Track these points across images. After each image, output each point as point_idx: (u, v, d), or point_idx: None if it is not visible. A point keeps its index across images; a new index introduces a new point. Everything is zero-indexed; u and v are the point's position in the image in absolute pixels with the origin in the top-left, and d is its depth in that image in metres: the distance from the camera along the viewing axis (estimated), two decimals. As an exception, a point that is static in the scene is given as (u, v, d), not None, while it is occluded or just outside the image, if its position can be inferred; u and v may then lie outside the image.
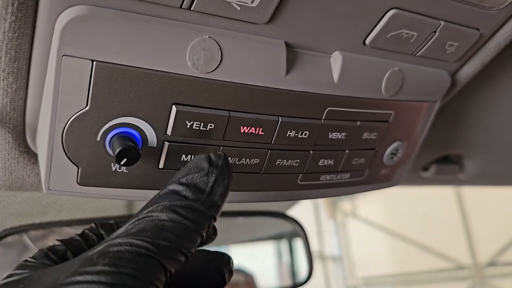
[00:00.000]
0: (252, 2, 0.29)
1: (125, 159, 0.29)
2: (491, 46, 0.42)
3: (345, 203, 4.91)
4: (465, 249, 4.14)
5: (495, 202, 3.51)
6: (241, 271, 1.26)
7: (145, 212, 0.27)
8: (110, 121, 0.30)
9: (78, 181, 0.32)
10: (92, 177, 0.32)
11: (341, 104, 0.37)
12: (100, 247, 0.26)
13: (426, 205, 4.06)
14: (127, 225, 0.27)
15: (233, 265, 0.35)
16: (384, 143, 0.43)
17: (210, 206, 0.28)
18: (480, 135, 0.62)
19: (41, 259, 0.29)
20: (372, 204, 4.64)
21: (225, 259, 0.34)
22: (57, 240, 0.31)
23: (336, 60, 0.36)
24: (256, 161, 0.36)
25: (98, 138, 0.31)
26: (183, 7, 0.28)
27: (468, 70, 0.44)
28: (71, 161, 0.31)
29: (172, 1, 0.28)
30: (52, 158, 0.31)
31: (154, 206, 0.27)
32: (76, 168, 0.31)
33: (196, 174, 0.29)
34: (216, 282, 0.33)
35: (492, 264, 3.99)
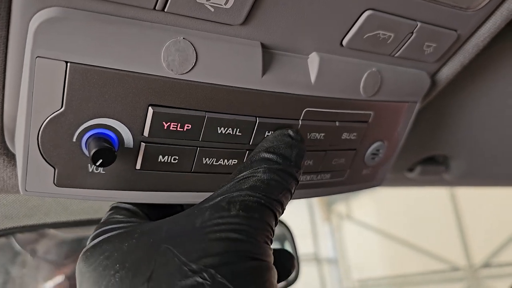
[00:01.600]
0: (225, 4, 0.29)
1: (100, 160, 0.30)
2: (469, 47, 0.42)
3: (340, 205, 4.92)
4: (459, 250, 4.15)
5: (489, 203, 3.52)
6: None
7: (247, 172, 0.33)
8: (85, 122, 0.30)
9: (55, 182, 0.32)
10: (69, 178, 0.32)
11: (319, 104, 0.37)
12: (218, 198, 0.31)
13: (420, 207, 4.07)
14: (233, 182, 0.33)
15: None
16: (365, 143, 0.43)
17: (296, 170, 0.35)
18: (464, 136, 0.63)
19: (127, 216, 0.34)
20: (367, 206, 4.64)
21: (290, 256, 0.41)
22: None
23: (313, 61, 0.36)
24: (235, 161, 0.36)
25: (74, 139, 0.31)
26: (156, 8, 0.28)
27: (447, 71, 0.44)
28: (47, 162, 0.31)
29: (146, 2, 0.28)
30: (28, 159, 0.31)
31: (254, 168, 0.33)
32: (52, 169, 0.31)
33: (282, 145, 0.35)
34: (282, 276, 0.39)
35: (486, 265, 4.00)
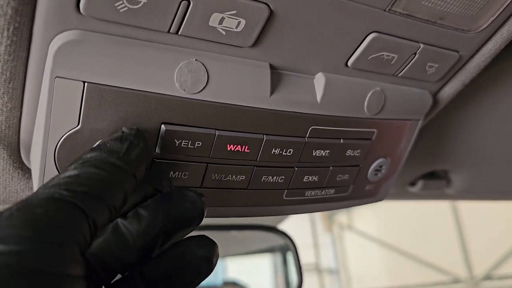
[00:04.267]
0: (236, 27, 0.30)
1: None
2: (470, 67, 0.43)
3: (342, 216, 4.91)
4: (461, 262, 4.14)
5: (491, 215, 3.52)
6: (237, 284, 1.26)
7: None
8: (100, 139, 0.31)
9: None
10: None
11: (325, 123, 0.38)
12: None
13: (421, 218, 4.07)
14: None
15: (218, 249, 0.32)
16: (368, 160, 0.44)
17: (126, 162, 0.27)
18: (465, 151, 0.64)
19: None
20: (368, 217, 4.64)
21: (211, 244, 0.31)
22: None
23: (319, 81, 0.37)
24: (242, 177, 0.38)
25: None
26: (170, 31, 0.30)
27: (449, 90, 0.46)
28: None
29: (160, 26, 0.29)
30: (44, 175, 0.32)
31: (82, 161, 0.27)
32: None
33: (110, 141, 0.28)
34: (203, 270, 0.31)
35: (488, 277, 3.99)
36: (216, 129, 0.34)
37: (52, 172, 0.32)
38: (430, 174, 0.66)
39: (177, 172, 0.35)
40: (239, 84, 0.34)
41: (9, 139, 0.36)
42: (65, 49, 0.28)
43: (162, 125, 0.32)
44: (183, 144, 0.34)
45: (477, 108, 0.60)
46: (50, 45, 0.28)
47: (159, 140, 0.33)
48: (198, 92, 0.32)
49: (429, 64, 0.40)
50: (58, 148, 0.31)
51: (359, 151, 0.42)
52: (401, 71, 0.39)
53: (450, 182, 0.67)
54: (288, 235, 0.72)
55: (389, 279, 4.50)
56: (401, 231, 4.32)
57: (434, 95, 0.46)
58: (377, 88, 0.40)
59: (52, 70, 0.28)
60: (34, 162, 0.34)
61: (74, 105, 0.30)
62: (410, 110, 0.44)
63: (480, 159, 0.64)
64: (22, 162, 0.38)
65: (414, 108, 0.44)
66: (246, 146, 0.36)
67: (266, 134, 0.36)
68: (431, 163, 0.65)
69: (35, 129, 0.34)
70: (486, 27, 0.38)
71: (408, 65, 0.39)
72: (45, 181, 0.32)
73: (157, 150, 0.33)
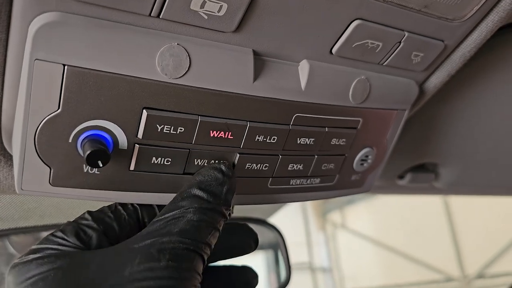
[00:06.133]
0: (218, 12, 0.30)
1: (95, 161, 0.31)
2: (456, 57, 0.43)
3: (335, 214, 4.92)
4: (453, 260, 4.16)
5: (483, 214, 3.54)
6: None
7: (178, 211, 0.33)
8: (81, 123, 0.31)
9: (50, 181, 0.33)
10: (64, 178, 0.33)
11: (309, 110, 0.38)
12: (148, 241, 0.31)
13: (414, 217, 4.09)
14: (163, 221, 0.32)
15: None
16: (354, 149, 0.44)
17: (225, 208, 0.35)
18: (454, 144, 0.64)
19: (72, 239, 0.32)
20: (362, 215, 4.65)
21: (252, 272, 0.43)
22: (88, 213, 0.35)
23: (303, 68, 0.37)
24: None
25: (70, 140, 0.32)
26: (152, 15, 0.29)
27: (435, 80, 0.46)
28: (43, 162, 0.32)
29: (141, 9, 0.29)
30: (25, 159, 0.32)
31: (184, 208, 0.33)
32: (48, 169, 0.32)
33: (213, 183, 0.35)
34: None
35: (480, 276, 4.01)
36: (199, 115, 0.34)
37: (32, 157, 0.32)
38: (418, 167, 0.67)
39: (159, 158, 0.35)
40: (222, 70, 0.33)
41: None
42: (45, 31, 0.27)
43: (144, 110, 0.32)
44: (165, 130, 0.33)
45: (466, 101, 0.60)
46: (29, 27, 0.28)
47: (140, 125, 0.33)
48: (180, 76, 0.32)
49: (414, 53, 0.40)
50: (38, 132, 0.31)
51: (344, 140, 0.42)
52: (386, 60, 0.39)
53: (439, 175, 0.67)
54: (276, 227, 0.72)
55: (382, 278, 4.52)
56: (394, 230, 4.34)
57: (420, 85, 0.46)
58: (362, 77, 0.40)
59: (32, 53, 0.28)
60: (15, 147, 0.34)
61: (54, 89, 0.30)
62: (396, 100, 0.44)
63: (469, 153, 0.64)
64: (4, 149, 0.38)
65: (400, 97, 0.44)
66: (230, 133, 0.36)
67: (249, 121, 0.36)
68: (419, 156, 0.65)
69: (16, 113, 0.34)
70: (471, 16, 0.38)
71: (393, 54, 0.39)
72: (25, 167, 0.32)
73: (139, 135, 0.33)
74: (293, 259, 0.81)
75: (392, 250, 4.40)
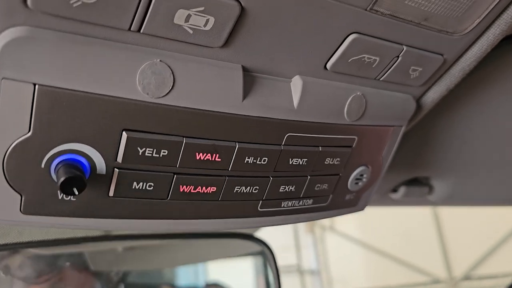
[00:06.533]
0: (205, 26, 0.28)
1: (70, 188, 0.28)
2: (455, 71, 0.42)
3: (323, 217, 4.91)
4: (440, 263, 4.17)
5: (470, 216, 3.55)
6: (219, 285, 1.24)
7: None
8: (54, 147, 0.29)
9: (21, 209, 0.30)
10: (37, 205, 0.30)
11: (302, 129, 0.36)
12: None
13: (403, 220, 4.09)
14: None
15: None
16: (348, 168, 0.42)
17: None
18: (447, 158, 0.62)
19: None
20: (350, 218, 4.65)
21: None
22: None
23: (296, 85, 0.35)
24: (213, 188, 0.35)
25: (43, 166, 0.29)
26: (132, 29, 0.27)
27: (433, 95, 0.44)
28: (13, 188, 0.29)
29: (120, 23, 0.26)
30: None
31: None
32: (19, 196, 0.29)
33: None
34: None
35: (467, 278, 4.03)
36: (183, 136, 0.32)
37: (1, 183, 0.29)
38: (412, 180, 0.65)
39: (141, 183, 0.32)
40: (209, 88, 0.31)
41: None
42: (12, 47, 0.25)
43: (124, 132, 0.30)
44: (147, 153, 0.31)
45: (459, 113, 0.58)
46: None
47: (120, 148, 0.30)
48: (163, 96, 0.29)
49: (412, 67, 0.38)
50: (7, 157, 0.28)
51: (338, 159, 0.40)
52: (383, 75, 0.37)
53: (432, 189, 0.65)
54: (265, 242, 0.70)
55: (370, 280, 4.52)
56: (382, 232, 4.34)
57: (418, 100, 0.44)
58: (358, 93, 0.38)
59: None
60: None
61: (24, 110, 0.27)
62: (392, 116, 0.42)
63: (463, 166, 0.63)
64: None
65: (396, 113, 0.42)
66: (217, 155, 0.33)
67: (238, 142, 0.34)
68: (412, 169, 0.63)
69: None
70: (472, 29, 0.36)
71: (391, 69, 0.37)
72: None
73: (118, 159, 0.30)
74: (281, 262, 0.79)
75: (380, 253, 4.41)
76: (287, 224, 0.42)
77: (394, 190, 0.65)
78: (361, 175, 0.44)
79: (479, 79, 0.53)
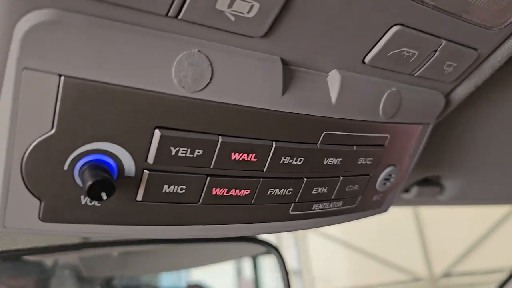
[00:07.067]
0: (248, 12, 0.25)
1: (98, 193, 0.25)
2: (486, 67, 0.40)
3: (305, 216, 4.92)
4: (421, 261, 4.22)
5: (451, 214, 3.60)
6: (200, 286, 1.22)
7: None
8: (80, 147, 0.25)
9: (40, 216, 0.27)
10: (57, 212, 0.27)
11: (338, 127, 0.34)
12: None
13: (383, 218, 4.12)
14: None
15: None
16: (378, 168, 0.40)
17: None
18: (459, 156, 0.61)
19: None
20: (332, 217, 4.66)
21: None
22: None
23: (333, 79, 0.32)
24: (247, 191, 0.32)
25: (66, 168, 0.26)
26: (169, 15, 0.24)
27: (461, 92, 0.42)
28: (32, 193, 0.26)
29: (157, 8, 0.23)
30: (8, 190, 0.25)
31: None
32: (38, 201, 0.26)
33: None
34: None
35: (447, 275, 4.08)
36: (219, 135, 0.29)
37: (18, 187, 0.25)
38: (423, 180, 0.63)
39: (172, 186, 0.29)
40: (248, 81, 0.28)
41: None
42: (36, 33, 0.22)
43: (156, 130, 0.27)
44: (181, 153, 0.28)
45: (472, 112, 0.57)
46: (15, 28, 0.22)
47: (151, 147, 0.27)
48: (200, 90, 0.27)
49: (447, 62, 0.36)
50: (26, 159, 0.25)
51: (371, 158, 0.38)
52: (418, 70, 0.35)
53: (443, 188, 0.64)
54: (273, 244, 0.68)
55: (351, 279, 4.54)
56: (363, 231, 4.36)
57: (446, 97, 0.42)
58: (393, 89, 0.36)
59: (19, 60, 0.22)
60: None
61: (47, 104, 0.24)
62: (423, 113, 0.40)
63: (474, 165, 0.62)
64: None
65: (427, 110, 0.40)
66: (253, 155, 0.31)
67: (275, 141, 0.31)
68: (425, 168, 0.61)
69: None
70: (509, 24, 0.35)
71: (427, 64, 0.35)
72: (9, 201, 0.26)
73: (149, 160, 0.27)
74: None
75: (361, 252, 4.43)
76: (317, 227, 0.39)
77: (406, 190, 0.64)
78: (390, 175, 0.42)
79: (499, 75, 0.51)
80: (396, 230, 4.21)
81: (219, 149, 0.29)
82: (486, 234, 3.92)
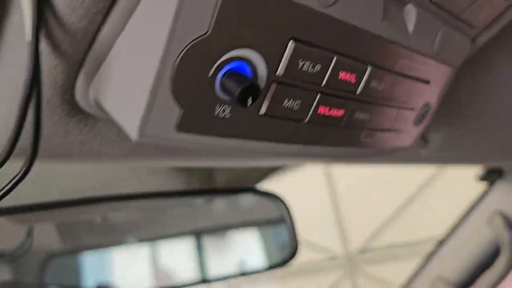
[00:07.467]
0: None
1: (245, 98, 0.26)
2: (507, 17, 0.45)
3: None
4: (336, 239, 4.39)
5: (364, 189, 3.75)
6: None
7: None
8: (228, 52, 0.26)
9: (176, 126, 0.27)
10: (192, 122, 0.27)
11: (411, 58, 0.37)
12: None
13: (296, 195, 4.22)
14: None
15: None
16: (420, 105, 0.44)
17: None
18: (446, 108, 0.66)
19: None
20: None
21: None
22: None
23: (410, 12, 0.35)
24: (341, 112, 0.34)
25: (210, 74, 0.26)
26: None
27: (483, 38, 0.46)
28: (176, 100, 0.26)
29: None
30: (156, 96, 0.25)
31: None
32: (178, 109, 0.26)
33: None
34: None
35: (363, 251, 4.29)
36: (336, 53, 0.30)
37: (164, 94, 0.25)
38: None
39: (291, 100, 0.30)
40: (365, 4, 0.30)
41: (68, 61, 0.28)
42: None
43: (291, 41, 0.28)
44: (305, 67, 0.29)
45: (467, 68, 0.61)
46: None
47: (283, 58, 0.28)
48: (331, 5, 0.28)
49: (487, 7, 0.40)
50: (179, 61, 0.25)
51: (420, 93, 0.41)
52: (464, 12, 0.39)
53: (428, 140, 0.69)
54: (276, 195, 0.69)
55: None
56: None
57: (471, 42, 0.46)
58: (445, 28, 0.39)
59: None
60: (142, 83, 0.26)
61: (209, 3, 0.24)
62: (455, 56, 0.44)
63: (462, 119, 0.67)
64: (72, 100, 0.30)
65: (458, 54, 0.44)
66: (354, 75, 0.33)
67: (371, 65, 0.33)
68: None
69: (119, 43, 0.27)
70: None
71: (474, 5, 0.39)
72: (155, 106, 0.25)
73: (280, 71, 0.28)
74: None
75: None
76: (370, 156, 0.42)
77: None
78: (425, 111, 0.45)
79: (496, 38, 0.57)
80: (310, 207, 4.34)
81: (332, 67, 0.31)
82: (403, 207, 4.12)
